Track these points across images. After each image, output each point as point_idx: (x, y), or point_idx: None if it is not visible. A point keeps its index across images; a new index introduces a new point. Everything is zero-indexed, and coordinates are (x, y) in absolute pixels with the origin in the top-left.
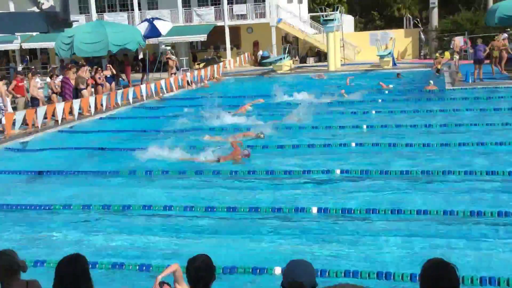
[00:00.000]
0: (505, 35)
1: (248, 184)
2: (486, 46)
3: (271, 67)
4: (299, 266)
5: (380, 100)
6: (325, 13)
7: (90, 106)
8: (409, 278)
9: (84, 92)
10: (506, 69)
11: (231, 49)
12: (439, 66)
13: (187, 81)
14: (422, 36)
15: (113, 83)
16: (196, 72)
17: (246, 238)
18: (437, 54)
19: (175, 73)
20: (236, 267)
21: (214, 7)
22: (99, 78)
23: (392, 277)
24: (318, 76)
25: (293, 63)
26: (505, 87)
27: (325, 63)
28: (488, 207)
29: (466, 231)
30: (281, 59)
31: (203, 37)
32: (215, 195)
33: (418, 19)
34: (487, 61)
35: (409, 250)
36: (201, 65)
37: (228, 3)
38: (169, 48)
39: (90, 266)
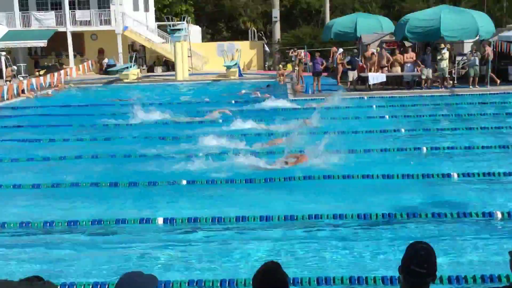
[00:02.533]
0: (341, 49)
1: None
2: (324, 59)
3: (117, 75)
4: (129, 279)
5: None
6: (172, 22)
7: None
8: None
9: None
10: (341, 81)
11: (74, 56)
12: (281, 78)
13: (23, 89)
14: (266, 49)
15: None
16: (35, 80)
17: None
18: (280, 66)
19: (9, 81)
20: (74, 283)
21: (55, 11)
22: None
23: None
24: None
25: (140, 72)
26: (343, 98)
27: (173, 73)
28: (326, 210)
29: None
30: (127, 67)
31: (43, 43)
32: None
33: (263, 32)
34: (325, 74)
35: (252, 255)
36: (42, 72)
37: (70, 8)
38: (3, 53)
39: None
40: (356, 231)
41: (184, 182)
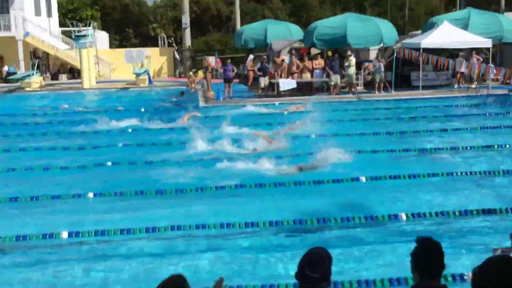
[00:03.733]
0: (251, 56)
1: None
2: (235, 66)
3: (18, 84)
4: None
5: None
6: (77, 28)
7: None
8: None
9: None
10: (252, 87)
11: None
12: (193, 85)
13: None
14: (176, 56)
15: None
16: None
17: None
18: (191, 73)
19: None
20: None
21: None
22: None
23: None
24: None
25: (43, 80)
26: (253, 104)
27: (79, 80)
28: (239, 219)
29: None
30: (29, 75)
31: None
32: None
33: (173, 39)
34: (236, 80)
35: (162, 267)
36: None
37: None
38: None
39: None
40: (268, 239)
41: (91, 195)
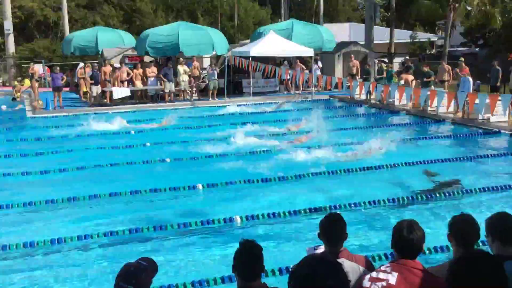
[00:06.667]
0: (82, 64)
1: None
2: (64, 74)
3: None
4: None
5: None
6: None
7: None
8: None
9: None
10: (84, 96)
11: None
12: (18, 94)
13: None
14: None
15: None
16: None
17: None
18: (16, 82)
19: None
20: None
21: None
22: None
23: None
24: None
25: None
26: (84, 113)
27: None
28: (72, 232)
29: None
30: None
31: None
32: None
33: None
34: (66, 89)
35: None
36: None
37: None
38: None
39: None
40: (103, 250)
41: None
